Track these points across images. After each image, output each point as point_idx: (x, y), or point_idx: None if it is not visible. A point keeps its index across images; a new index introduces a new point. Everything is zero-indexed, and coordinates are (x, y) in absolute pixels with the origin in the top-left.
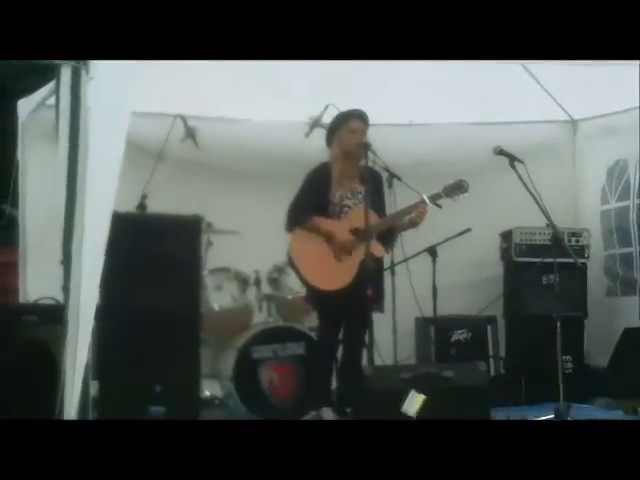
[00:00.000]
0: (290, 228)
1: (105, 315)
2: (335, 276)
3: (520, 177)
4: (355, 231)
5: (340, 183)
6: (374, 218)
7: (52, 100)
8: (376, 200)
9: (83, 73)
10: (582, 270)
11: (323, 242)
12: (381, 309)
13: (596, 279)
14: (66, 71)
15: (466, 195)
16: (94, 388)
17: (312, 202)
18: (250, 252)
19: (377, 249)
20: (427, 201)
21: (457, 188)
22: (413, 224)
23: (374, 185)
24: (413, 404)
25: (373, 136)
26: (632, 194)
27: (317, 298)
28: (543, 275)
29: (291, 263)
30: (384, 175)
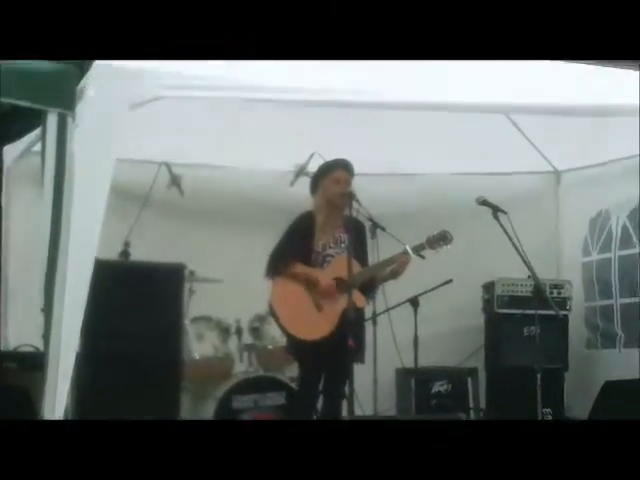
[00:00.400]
0: (271, 275)
1: (85, 362)
2: (315, 326)
3: (503, 228)
4: (337, 280)
5: (323, 232)
6: (357, 268)
7: (38, 146)
8: (359, 250)
9: (69, 120)
10: (564, 322)
11: (304, 291)
12: (362, 360)
13: (577, 331)
14: (52, 118)
15: (449, 247)
16: None
17: (294, 250)
18: (232, 300)
19: (359, 299)
20: (410, 252)
21: (440, 239)
22: (394, 274)
23: (357, 235)
24: None
25: (357, 185)
26: (613, 246)
27: (297, 348)
28: (524, 327)
29: (271, 311)
30: (367, 225)
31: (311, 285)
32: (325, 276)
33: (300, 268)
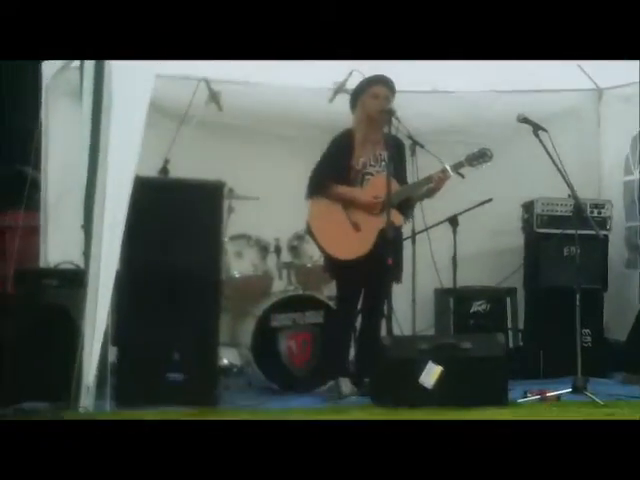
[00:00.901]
0: (310, 196)
1: (125, 280)
2: (352, 245)
3: (544, 145)
4: (376, 198)
5: (363, 149)
6: (395, 186)
7: (76, 62)
8: (399, 168)
9: None
10: (603, 242)
11: (341, 211)
12: (399, 279)
13: (617, 251)
14: None
15: (489, 164)
16: (113, 354)
17: (333, 169)
18: (271, 219)
19: (397, 218)
20: (449, 170)
21: (480, 157)
22: (431, 192)
23: (397, 153)
24: (431, 375)
25: (396, 102)
26: None
27: (334, 267)
28: (564, 247)
29: (309, 231)
30: (407, 143)
31: (349, 204)
32: (364, 195)
33: (338, 187)
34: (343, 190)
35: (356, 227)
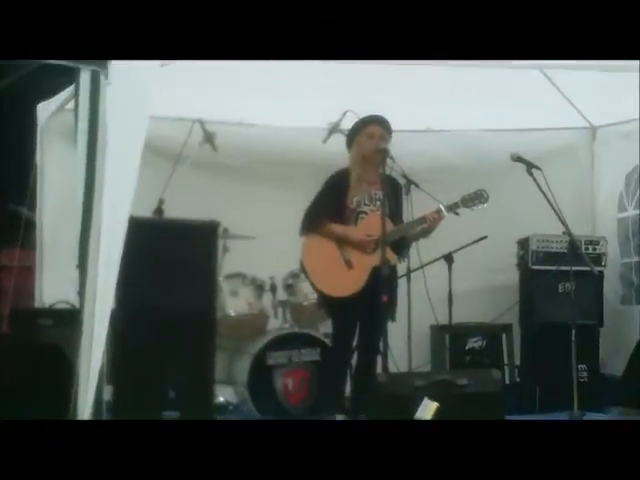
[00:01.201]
0: (304, 233)
1: (120, 319)
2: (345, 282)
3: (537, 184)
4: (369, 237)
5: (358, 188)
6: (389, 226)
7: (71, 104)
8: (394, 208)
9: (102, 77)
10: (599, 278)
11: (335, 248)
12: (393, 317)
13: (612, 287)
14: (85, 75)
15: (485, 206)
16: (108, 392)
17: (327, 207)
18: (266, 258)
19: (391, 257)
20: (444, 211)
21: (476, 198)
22: (425, 233)
23: (393, 193)
24: (426, 411)
25: (391, 142)
26: None
27: (327, 304)
28: (559, 283)
29: (302, 268)
30: (402, 182)
31: (342, 242)
32: (357, 233)
33: (332, 225)
34: (337, 228)
35: (349, 265)
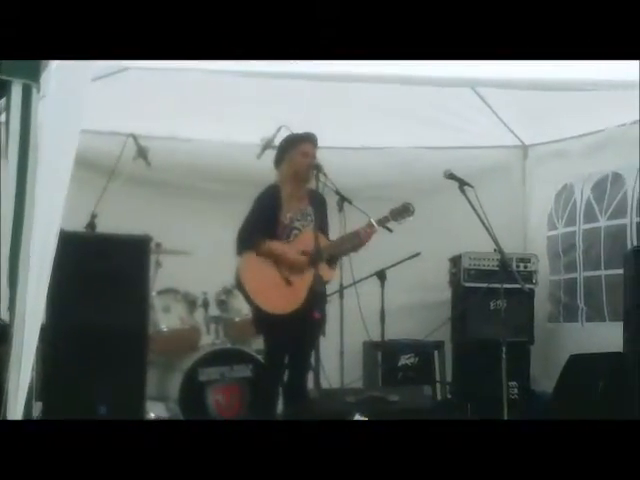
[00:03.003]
0: (241, 251)
1: (51, 335)
2: (285, 300)
3: (469, 201)
4: (305, 253)
5: (290, 204)
6: (324, 240)
7: (2, 118)
8: (321, 224)
9: (34, 91)
10: (529, 296)
11: (272, 265)
12: (324, 332)
13: (543, 305)
14: (17, 88)
15: (411, 219)
16: (38, 409)
17: (262, 224)
18: (199, 273)
19: (326, 272)
20: (375, 225)
21: (404, 211)
22: (357, 247)
23: (320, 208)
24: None
25: (324, 158)
26: (578, 220)
27: (264, 321)
28: (491, 300)
29: (240, 286)
30: (335, 198)
31: (279, 260)
32: (292, 250)
33: (268, 243)
34: (274, 245)
35: (288, 282)
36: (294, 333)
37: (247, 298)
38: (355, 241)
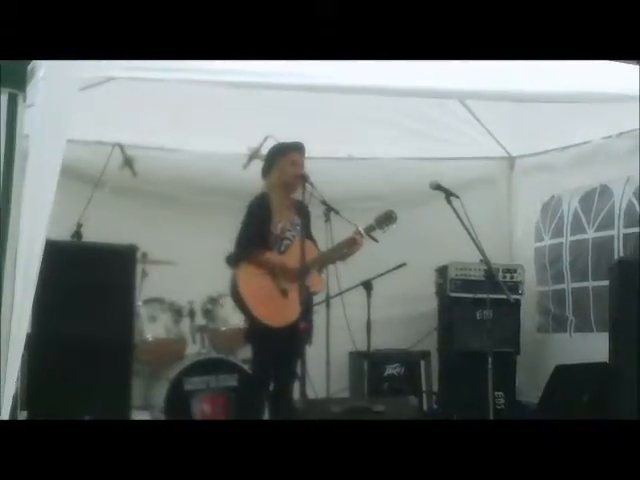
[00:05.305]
0: (237, 262)
1: (36, 344)
2: (283, 311)
3: (456, 212)
4: (300, 264)
5: (280, 214)
6: (315, 251)
7: None
8: (309, 233)
9: (20, 100)
10: (515, 306)
11: (269, 277)
12: (311, 341)
13: (529, 315)
14: (3, 97)
15: (394, 226)
16: (23, 418)
17: (257, 235)
18: (185, 283)
19: (318, 282)
20: (362, 232)
21: (387, 219)
22: (345, 256)
23: (306, 217)
24: None
25: (311, 168)
26: (565, 231)
27: (260, 333)
28: (477, 310)
29: (237, 297)
30: (321, 208)
31: (275, 271)
32: (289, 261)
33: (264, 254)
34: (270, 257)
35: (284, 294)
36: (285, 343)
37: (244, 309)
38: (344, 250)
